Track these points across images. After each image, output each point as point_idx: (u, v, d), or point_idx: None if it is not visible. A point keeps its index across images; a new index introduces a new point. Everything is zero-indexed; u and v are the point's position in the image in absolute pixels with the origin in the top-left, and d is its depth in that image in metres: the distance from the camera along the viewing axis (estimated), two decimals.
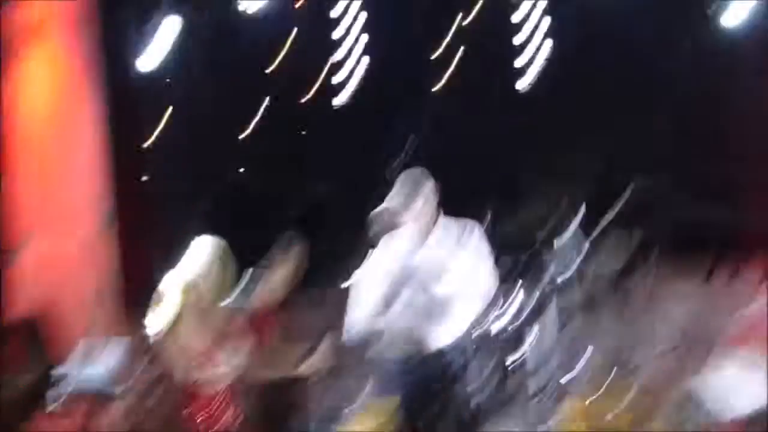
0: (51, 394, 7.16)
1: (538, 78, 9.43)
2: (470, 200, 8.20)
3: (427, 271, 6.41)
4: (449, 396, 6.44)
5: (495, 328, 7.72)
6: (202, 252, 7.40)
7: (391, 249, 6.62)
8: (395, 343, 6.48)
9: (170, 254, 8.71)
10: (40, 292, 8.59)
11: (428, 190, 6.57)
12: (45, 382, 7.23)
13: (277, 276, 7.95)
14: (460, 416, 6.47)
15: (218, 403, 7.48)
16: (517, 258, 7.91)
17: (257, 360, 7.69)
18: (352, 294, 6.66)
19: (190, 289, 7.37)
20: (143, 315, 9.70)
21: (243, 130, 9.88)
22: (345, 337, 6.71)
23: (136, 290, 9.59)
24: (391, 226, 6.58)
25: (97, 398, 7.38)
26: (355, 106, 9.73)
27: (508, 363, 8.03)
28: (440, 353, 6.45)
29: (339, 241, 8.35)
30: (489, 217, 7.93)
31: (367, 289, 6.55)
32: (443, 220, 6.62)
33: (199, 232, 7.81)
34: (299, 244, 7.93)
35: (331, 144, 9.44)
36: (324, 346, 8.22)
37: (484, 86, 9.38)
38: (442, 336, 6.47)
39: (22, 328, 7.56)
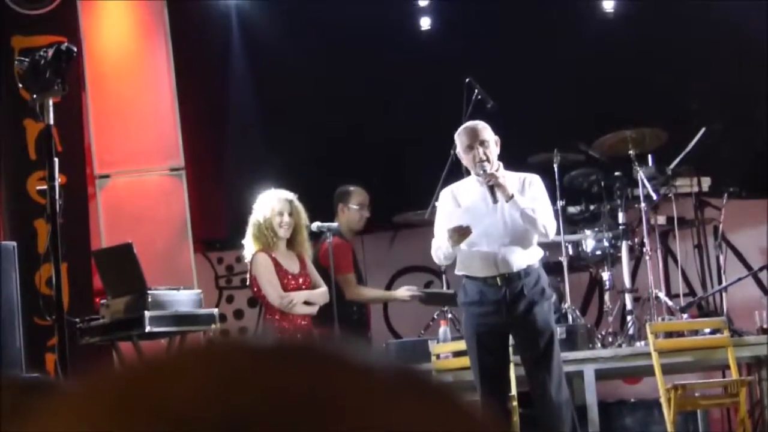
0: (148, 315, 7.33)
1: None
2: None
3: (499, 203, 6.60)
4: (535, 314, 6.62)
5: (585, 248, 7.99)
6: (271, 202, 7.60)
7: (465, 184, 6.86)
8: (478, 263, 6.67)
9: (239, 201, 8.96)
10: (125, 223, 8.85)
11: (491, 138, 6.72)
12: (143, 303, 7.41)
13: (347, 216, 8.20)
14: (547, 334, 6.64)
15: (307, 326, 7.71)
16: (604, 181, 8.14)
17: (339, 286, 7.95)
18: (437, 220, 6.87)
19: (265, 231, 7.60)
20: (215, 250, 10.00)
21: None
22: (433, 257, 6.89)
23: (207, 229, 9.86)
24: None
25: (189, 320, 7.58)
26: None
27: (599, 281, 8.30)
28: (521, 274, 6.59)
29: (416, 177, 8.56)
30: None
31: (448, 215, 6.78)
32: (504, 172, 6.74)
33: (269, 182, 7.98)
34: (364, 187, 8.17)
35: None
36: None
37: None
38: (521, 259, 6.63)
39: (118, 252, 7.74)
